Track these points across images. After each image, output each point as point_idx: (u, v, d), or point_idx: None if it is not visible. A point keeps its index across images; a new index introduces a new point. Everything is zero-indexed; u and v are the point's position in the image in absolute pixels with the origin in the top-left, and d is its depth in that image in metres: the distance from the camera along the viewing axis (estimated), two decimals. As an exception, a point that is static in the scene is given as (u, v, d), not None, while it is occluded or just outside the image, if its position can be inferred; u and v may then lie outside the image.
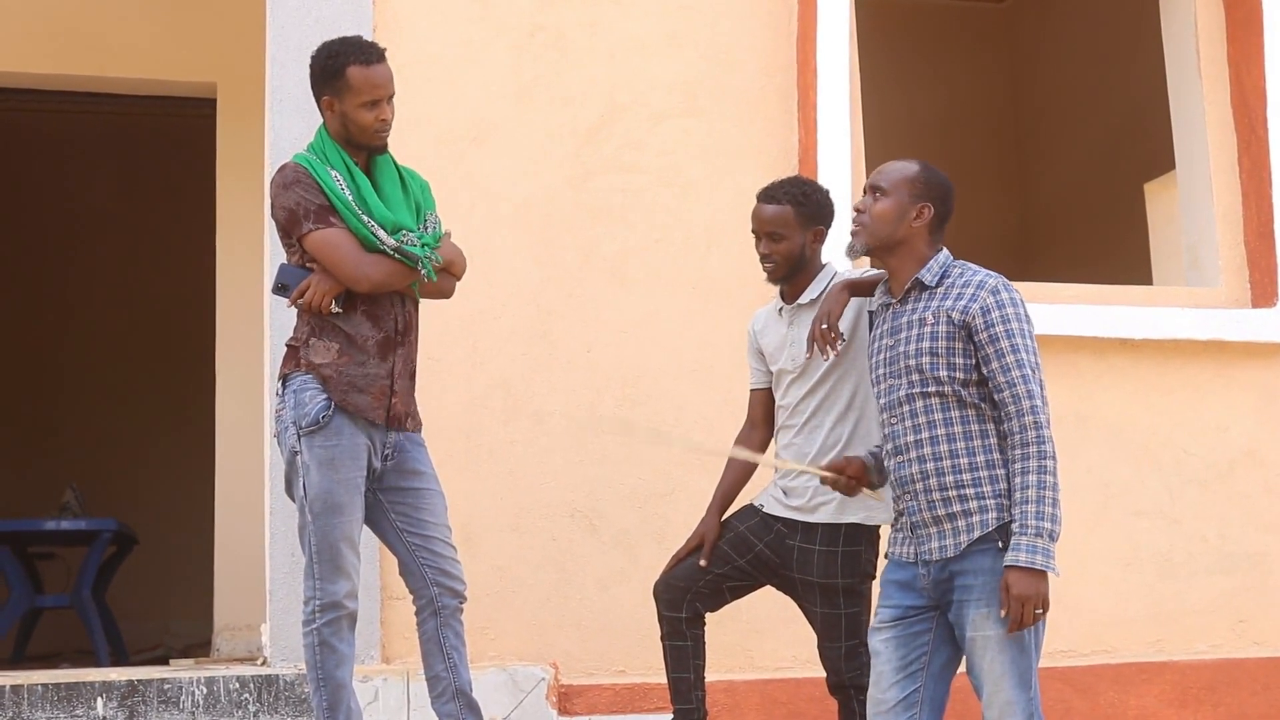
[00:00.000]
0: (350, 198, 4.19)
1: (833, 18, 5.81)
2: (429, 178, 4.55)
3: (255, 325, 6.10)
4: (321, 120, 4.34)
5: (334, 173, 4.22)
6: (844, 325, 4.35)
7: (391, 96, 4.29)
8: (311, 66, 4.33)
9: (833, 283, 4.38)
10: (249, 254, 6.75)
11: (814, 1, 5.81)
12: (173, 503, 9.83)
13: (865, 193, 4.04)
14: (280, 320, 4.99)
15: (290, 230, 4.23)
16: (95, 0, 7.35)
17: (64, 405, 10.75)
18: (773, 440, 4.62)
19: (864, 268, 4.41)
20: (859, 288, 4.29)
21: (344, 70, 4.23)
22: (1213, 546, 5.96)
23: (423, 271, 4.21)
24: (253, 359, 6.36)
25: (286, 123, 5.34)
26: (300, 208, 4.18)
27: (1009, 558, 3.70)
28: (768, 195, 4.50)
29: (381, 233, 4.18)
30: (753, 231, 4.51)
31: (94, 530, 7.47)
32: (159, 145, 10.47)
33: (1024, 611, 3.68)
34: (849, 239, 4.04)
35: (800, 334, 4.41)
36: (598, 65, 5.75)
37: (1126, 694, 5.71)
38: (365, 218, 4.18)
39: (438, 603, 4.30)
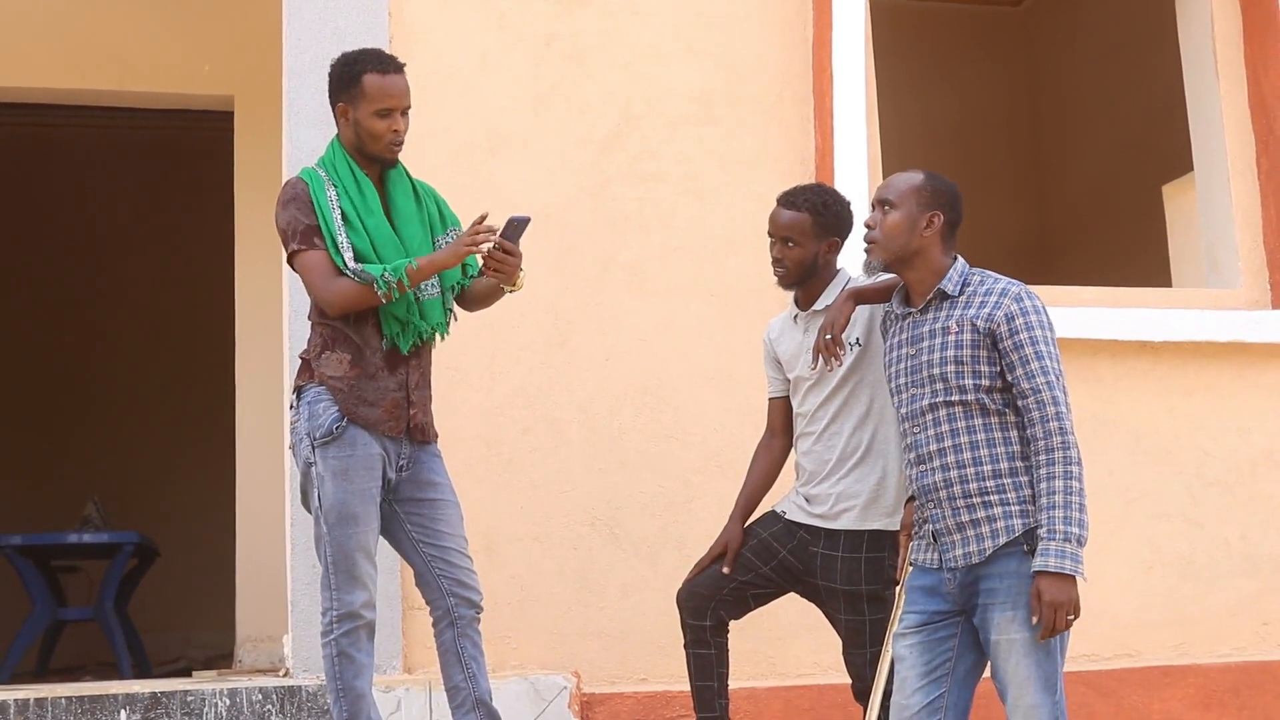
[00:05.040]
0: (337, 216, 4.20)
1: (848, 24, 5.81)
2: (446, 188, 4.56)
3: (274, 337, 6.11)
4: (336, 131, 4.36)
5: (332, 191, 4.23)
6: (858, 332, 4.35)
7: (407, 110, 4.30)
8: (330, 74, 4.35)
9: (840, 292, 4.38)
10: (268, 266, 6.76)
11: (829, 8, 5.81)
12: (194, 515, 9.85)
13: (873, 208, 4.05)
14: (299, 332, 5.00)
15: (283, 246, 4.29)
16: (113, 15, 7.38)
17: (86, 418, 10.78)
18: (792, 448, 4.62)
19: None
20: (866, 296, 4.28)
21: (360, 77, 4.25)
22: (1235, 549, 5.94)
23: (379, 291, 4.15)
24: (272, 371, 6.38)
25: (304, 135, 5.35)
26: (290, 227, 4.22)
27: (1037, 563, 3.69)
28: (788, 200, 4.50)
29: (348, 255, 4.16)
30: (768, 234, 4.51)
31: (116, 543, 7.50)
32: (178, 158, 10.50)
33: (1056, 618, 3.67)
34: (865, 256, 4.05)
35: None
36: (614, 74, 5.76)
37: (1150, 698, 5.69)
38: (342, 238, 4.18)
39: (454, 613, 4.30)
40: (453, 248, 4.21)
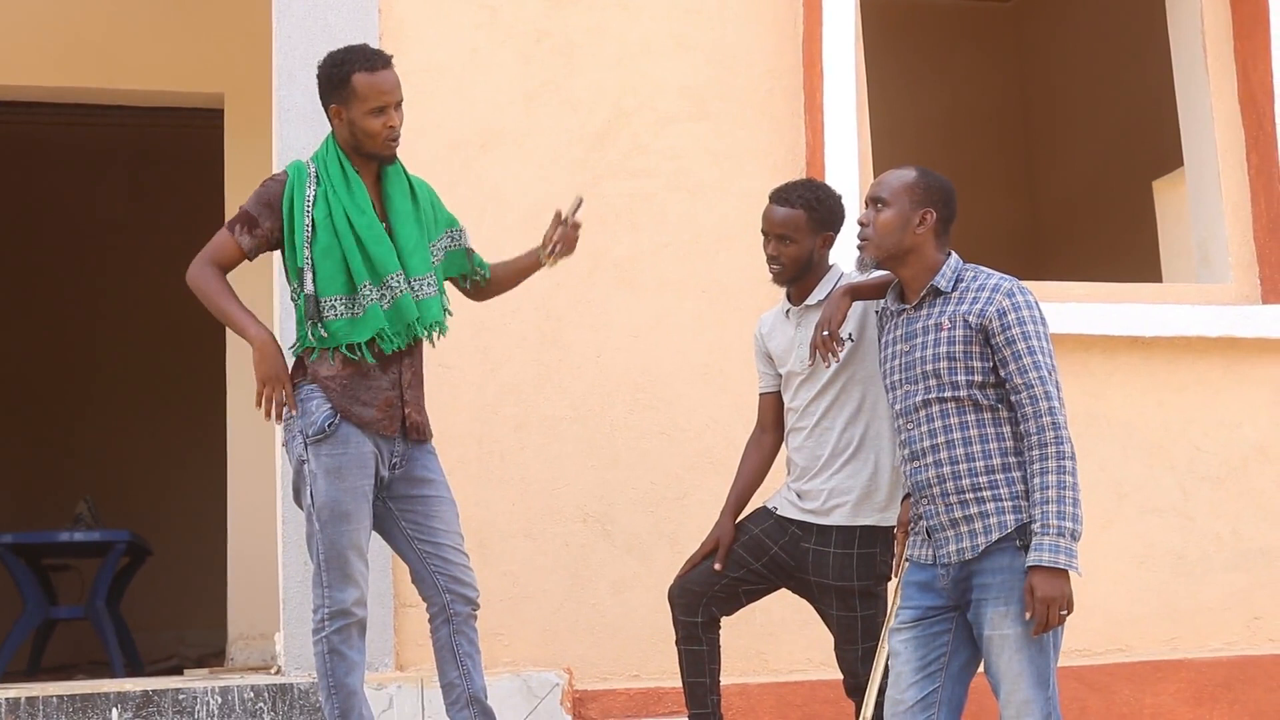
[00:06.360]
0: (309, 223, 4.19)
1: (838, 19, 5.80)
2: (438, 185, 4.55)
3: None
4: (330, 129, 4.35)
5: (311, 189, 4.23)
6: (850, 327, 4.35)
7: (399, 103, 4.29)
8: (319, 76, 4.34)
9: (835, 287, 4.37)
10: (258, 264, 6.71)
11: (819, 3, 5.81)
12: (186, 513, 9.84)
13: (866, 205, 4.05)
14: (290, 331, 4.99)
15: None
16: (103, 13, 7.37)
17: (78, 417, 10.76)
18: (783, 443, 4.61)
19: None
20: (861, 292, 4.28)
21: (349, 78, 4.24)
22: (1226, 543, 5.95)
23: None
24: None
25: (294, 133, 5.34)
26: (243, 207, 4.28)
27: (1031, 558, 3.70)
28: (780, 197, 4.49)
29: (308, 278, 4.17)
30: (762, 231, 4.50)
31: (107, 541, 7.49)
32: (167, 157, 10.48)
33: (1049, 613, 3.68)
34: (858, 253, 4.05)
35: (807, 335, 4.38)
36: (604, 70, 5.75)
37: (1142, 692, 5.70)
38: (306, 251, 4.18)
39: (450, 610, 4.30)
40: (271, 385, 4.15)
